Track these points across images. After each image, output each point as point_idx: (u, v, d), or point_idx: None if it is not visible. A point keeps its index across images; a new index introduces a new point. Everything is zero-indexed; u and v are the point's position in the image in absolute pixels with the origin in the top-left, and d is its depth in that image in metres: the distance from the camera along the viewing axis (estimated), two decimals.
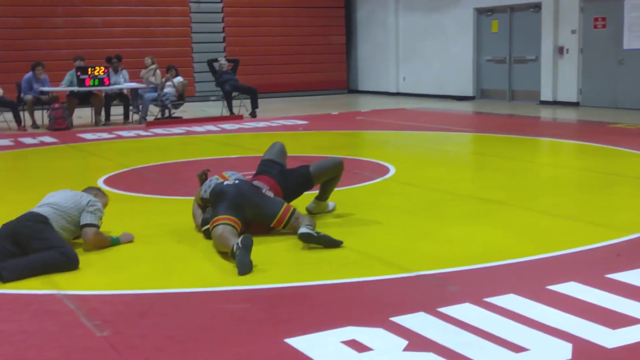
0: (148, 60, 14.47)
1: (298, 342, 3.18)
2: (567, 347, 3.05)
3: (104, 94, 13.81)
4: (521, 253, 4.49)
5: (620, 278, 3.94)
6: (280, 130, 12.04)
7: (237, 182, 5.03)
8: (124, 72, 14.17)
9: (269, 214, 4.94)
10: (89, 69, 13.18)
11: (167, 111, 13.75)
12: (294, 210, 4.97)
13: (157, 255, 4.73)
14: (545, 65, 15.62)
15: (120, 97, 14.02)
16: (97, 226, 4.74)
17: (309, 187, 5.56)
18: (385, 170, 7.72)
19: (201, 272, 4.37)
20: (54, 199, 4.74)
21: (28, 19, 17.35)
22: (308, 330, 3.31)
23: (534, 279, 4.00)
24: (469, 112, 15.11)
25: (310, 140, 10.75)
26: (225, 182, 5.04)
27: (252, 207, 4.91)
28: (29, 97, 13.09)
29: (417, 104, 16.77)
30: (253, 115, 14.47)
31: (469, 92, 17.77)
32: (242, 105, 14.89)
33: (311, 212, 5.64)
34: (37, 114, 13.51)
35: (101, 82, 13.27)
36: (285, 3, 20.22)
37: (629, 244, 4.71)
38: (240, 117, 14.19)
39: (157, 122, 13.38)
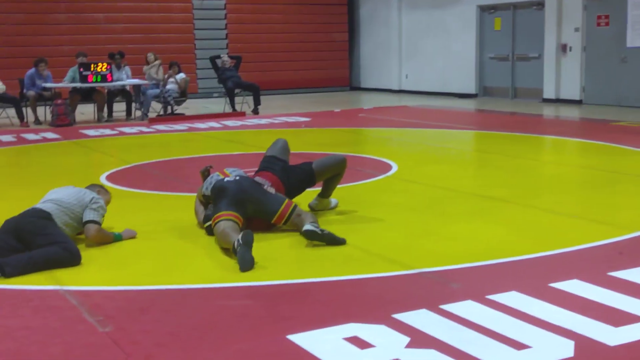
0: (151, 56, 14.47)
1: (300, 339, 3.18)
2: (569, 345, 3.05)
3: (106, 91, 13.81)
4: (523, 250, 4.49)
5: (622, 276, 3.94)
6: (283, 127, 12.04)
7: (237, 178, 5.04)
8: (127, 68, 14.16)
9: (270, 210, 4.94)
10: (92, 65, 13.19)
11: (169, 108, 13.74)
12: (295, 206, 4.97)
13: (159, 252, 4.73)
14: (548, 63, 15.60)
15: (122, 93, 14.02)
16: (99, 223, 4.75)
17: (311, 184, 5.55)
18: (388, 167, 7.71)
19: (203, 268, 4.37)
20: (57, 196, 4.75)
21: (31, 15, 17.35)
22: (310, 326, 3.31)
23: (536, 277, 4.00)
24: (472, 110, 15.10)
25: (313, 138, 10.74)
26: (226, 179, 5.04)
27: (253, 203, 4.91)
28: (31, 93, 13.10)
29: (419, 102, 16.75)
30: (255, 112, 14.46)
31: (472, 89, 17.75)
32: (244, 102, 14.89)
33: (313, 209, 5.64)
34: (40, 110, 13.52)
35: (104, 79, 13.27)
36: (288, 0, 20.21)
37: (632, 242, 4.70)
38: (242, 114, 14.19)
39: (160, 119, 13.39)
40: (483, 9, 17.42)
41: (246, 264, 4.20)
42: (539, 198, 6.16)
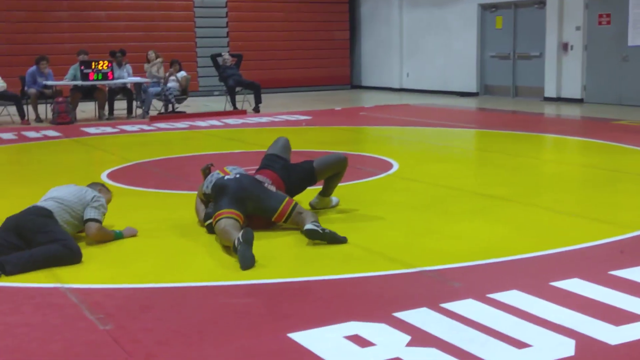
0: (152, 54, 14.47)
1: (300, 337, 3.18)
2: (570, 344, 3.05)
3: (107, 88, 13.82)
4: (524, 249, 4.48)
5: (623, 275, 3.94)
6: (284, 125, 12.04)
7: (238, 176, 5.03)
8: (128, 66, 14.16)
9: (270, 208, 4.94)
10: (93, 63, 13.19)
11: (170, 106, 13.75)
12: (296, 204, 4.97)
13: (160, 250, 4.73)
14: (550, 62, 15.59)
15: (123, 91, 14.03)
16: (100, 221, 4.75)
17: (312, 183, 5.55)
18: (389, 166, 7.71)
19: (204, 266, 4.37)
20: (59, 194, 4.75)
21: (32, 13, 17.35)
22: (311, 325, 3.31)
23: (537, 275, 4.00)
24: (473, 108, 15.10)
25: (314, 136, 10.74)
26: (227, 177, 5.04)
27: (253, 200, 4.91)
28: (32, 90, 13.11)
29: (420, 100, 16.75)
30: (256, 110, 14.46)
31: (473, 88, 17.75)
32: (245, 100, 14.88)
33: (314, 207, 5.64)
34: (41, 107, 13.53)
35: (105, 77, 13.27)
36: None
37: (633, 241, 4.70)
38: (243, 112, 14.19)
39: (161, 117, 13.39)
40: (484, 7, 17.41)
41: (247, 261, 4.20)
42: (540, 197, 6.16)
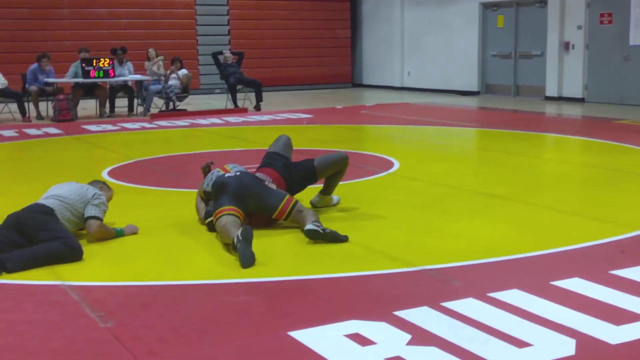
0: (152, 52, 14.46)
1: (301, 335, 3.18)
2: (570, 343, 3.05)
3: (108, 86, 13.82)
4: (525, 248, 4.48)
5: (624, 274, 3.94)
6: (285, 123, 12.03)
7: (238, 174, 5.03)
8: (129, 64, 14.16)
9: (270, 206, 4.94)
10: (94, 61, 13.19)
11: (171, 103, 13.75)
12: (296, 202, 4.97)
13: (161, 247, 4.74)
14: (551, 61, 15.58)
15: (124, 89, 14.03)
16: (101, 219, 4.75)
17: (313, 181, 5.55)
18: (390, 164, 7.71)
19: (204, 264, 4.37)
20: (60, 191, 4.75)
21: (33, 10, 17.35)
22: (311, 323, 3.31)
23: (537, 275, 4.00)
24: (474, 107, 15.09)
25: (315, 134, 10.74)
26: (227, 175, 5.03)
27: (253, 198, 4.90)
28: (33, 88, 13.11)
29: (421, 99, 16.74)
30: (257, 108, 14.46)
31: (474, 87, 17.74)
32: (246, 99, 14.89)
33: (315, 205, 5.64)
34: (42, 105, 13.53)
35: (106, 74, 13.27)
36: None
37: (633, 241, 4.70)
38: (244, 110, 14.19)
39: (162, 115, 13.39)
40: (486, 6, 17.40)
41: (247, 260, 4.20)
42: (541, 196, 6.16)
